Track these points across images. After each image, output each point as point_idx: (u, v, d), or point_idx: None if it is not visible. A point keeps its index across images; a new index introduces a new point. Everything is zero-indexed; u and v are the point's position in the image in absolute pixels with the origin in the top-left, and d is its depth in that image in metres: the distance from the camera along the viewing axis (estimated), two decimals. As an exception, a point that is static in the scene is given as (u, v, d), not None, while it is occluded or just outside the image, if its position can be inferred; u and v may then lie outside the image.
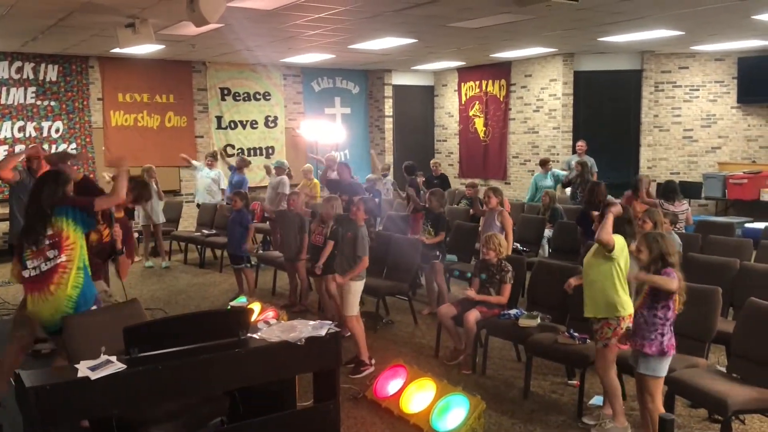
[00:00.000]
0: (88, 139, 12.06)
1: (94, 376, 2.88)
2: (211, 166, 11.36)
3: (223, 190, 11.41)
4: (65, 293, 4.09)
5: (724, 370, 4.33)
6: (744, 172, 11.48)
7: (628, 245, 4.37)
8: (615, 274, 4.30)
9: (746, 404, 3.94)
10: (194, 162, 11.77)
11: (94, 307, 4.24)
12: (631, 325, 4.20)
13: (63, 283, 4.09)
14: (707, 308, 4.63)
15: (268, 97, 13.95)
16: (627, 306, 4.31)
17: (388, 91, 15.12)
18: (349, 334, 5.81)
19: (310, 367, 3.51)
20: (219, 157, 12.32)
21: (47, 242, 4.08)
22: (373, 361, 5.70)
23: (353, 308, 5.69)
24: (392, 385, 5.01)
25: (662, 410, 3.98)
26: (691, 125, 12.73)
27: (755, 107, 12.21)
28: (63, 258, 4.09)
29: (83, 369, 2.92)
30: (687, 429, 4.53)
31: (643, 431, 4.17)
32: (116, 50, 10.39)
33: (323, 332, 3.35)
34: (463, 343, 5.76)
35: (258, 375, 3.35)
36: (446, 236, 7.89)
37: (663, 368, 3.95)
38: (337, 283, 5.89)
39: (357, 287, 5.73)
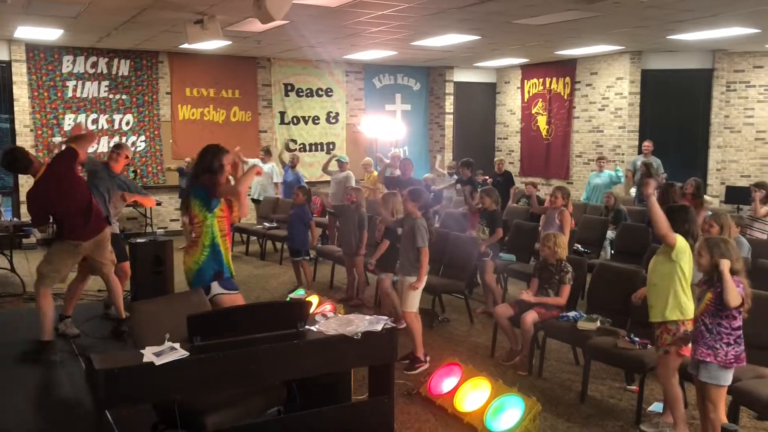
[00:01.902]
0: (156, 132, 12.45)
1: (158, 361, 2.99)
2: (264, 161, 11.54)
3: (276, 184, 11.59)
4: (187, 266, 4.68)
5: (793, 382, 4.16)
6: (821, 177, 10.97)
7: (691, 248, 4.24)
8: (677, 277, 4.19)
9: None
10: (248, 160, 11.97)
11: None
12: (689, 330, 4.09)
13: (190, 254, 4.68)
14: (777, 317, 4.45)
15: (330, 93, 14.09)
16: (688, 311, 4.19)
17: (449, 88, 15.06)
18: (404, 326, 5.81)
19: (365, 361, 3.55)
20: (274, 152, 12.44)
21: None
22: (428, 358, 5.71)
23: (413, 305, 5.68)
24: (447, 383, 5.01)
25: (725, 420, 3.86)
26: (765, 126, 12.24)
27: (835, 108, 11.66)
28: (193, 234, 4.72)
29: (148, 354, 3.03)
30: (751, 440, 4.39)
31: (704, 441, 4.05)
32: (185, 46, 10.71)
33: (379, 327, 3.38)
34: (520, 344, 5.71)
35: (314, 366, 3.40)
36: (504, 235, 7.84)
37: (727, 377, 3.82)
38: (405, 283, 5.80)
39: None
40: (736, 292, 3.69)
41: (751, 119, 12.31)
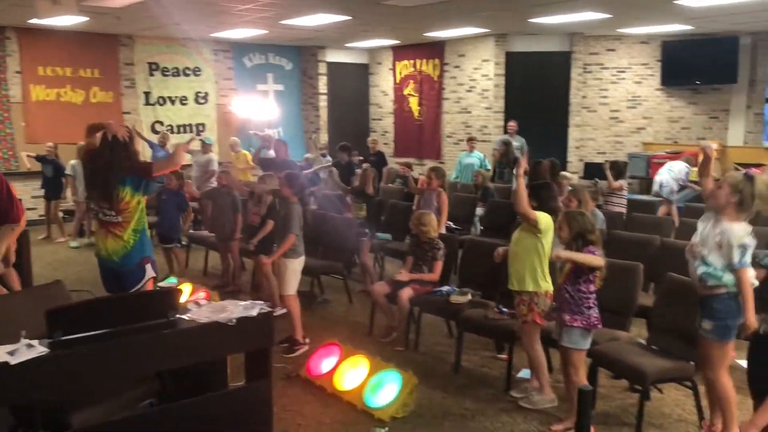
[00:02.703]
0: (6, 115, 11.50)
1: (13, 361, 2.78)
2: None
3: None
4: (112, 249, 4.51)
5: (644, 342, 4.53)
6: (666, 152, 11.93)
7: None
8: (537, 251, 4.43)
9: (663, 374, 4.14)
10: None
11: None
12: (549, 302, 4.36)
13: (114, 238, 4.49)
14: (629, 283, 4.81)
15: (198, 73, 13.60)
16: (543, 284, 4.45)
17: (322, 68, 14.98)
18: (284, 311, 5.79)
19: (241, 347, 3.47)
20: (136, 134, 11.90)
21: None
22: (307, 340, 5.71)
23: (292, 287, 5.66)
24: (326, 363, 5.04)
25: (585, 382, 4.15)
26: (618, 106, 13.13)
27: (677, 89, 12.68)
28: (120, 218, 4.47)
29: (2, 354, 2.81)
30: (609, 399, 4.73)
31: (568, 403, 4.33)
32: (35, 21, 9.92)
33: (254, 312, 3.32)
34: (397, 320, 5.83)
35: (187, 356, 3.29)
36: (380, 215, 7.97)
37: (586, 342, 4.10)
38: (273, 263, 5.85)
39: (295, 266, 5.69)
40: (590, 257, 3.96)
41: (606, 99, 13.17)
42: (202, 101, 13.72)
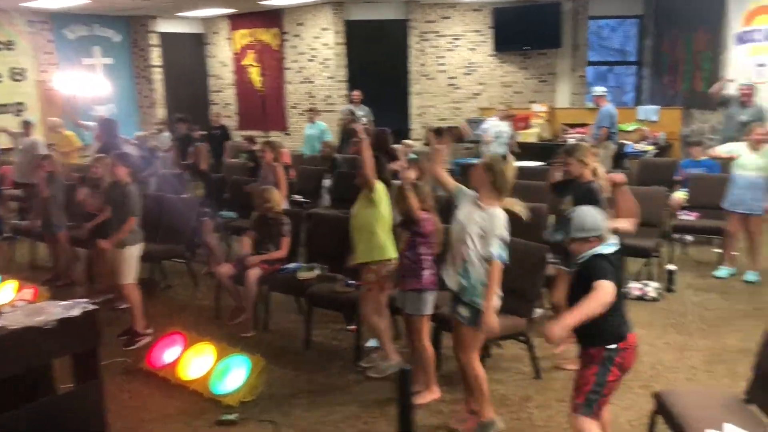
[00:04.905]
0: None
1: None
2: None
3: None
4: None
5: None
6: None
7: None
8: (376, 220, 4.47)
9: (501, 331, 4.33)
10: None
11: None
12: (390, 269, 4.44)
13: None
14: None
15: (12, 47, 12.32)
16: (388, 251, 4.51)
17: (154, 39, 14.11)
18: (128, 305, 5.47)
19: (64, 351, 3.22)
20: None
21: None
22: (150, 330, 5.43)
23: (129, 275, 5.34)
24: (169, 354, 4.82)
25: (429, 346, 4.27)
26: (455, 73, 13.52)
27: (509, 55, 13.26)
28: None
29: None
30: (452, 359, 4.89)
31: (415, 368, 4.43)
32: None
33: (76, 312, 3.07)
34: (245, 301, 5.68)
35: (3, 366, 3.00)
36: (223, 191, 7.72)
37: (427, 306, 4.20)
38: (109, 250, 5.47)
39: (132, 252, 5.36)
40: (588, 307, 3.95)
41: (443, 66, 13.50)
42: (18, 78, 12.47)
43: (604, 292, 2.91)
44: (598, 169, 4.58)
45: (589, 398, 3.05)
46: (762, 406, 3.24)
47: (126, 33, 14.11)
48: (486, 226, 3.62)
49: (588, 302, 2.89)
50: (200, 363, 4.61)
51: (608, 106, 9.58)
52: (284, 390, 4.55)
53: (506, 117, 10.11)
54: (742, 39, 10.34)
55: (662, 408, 3.30)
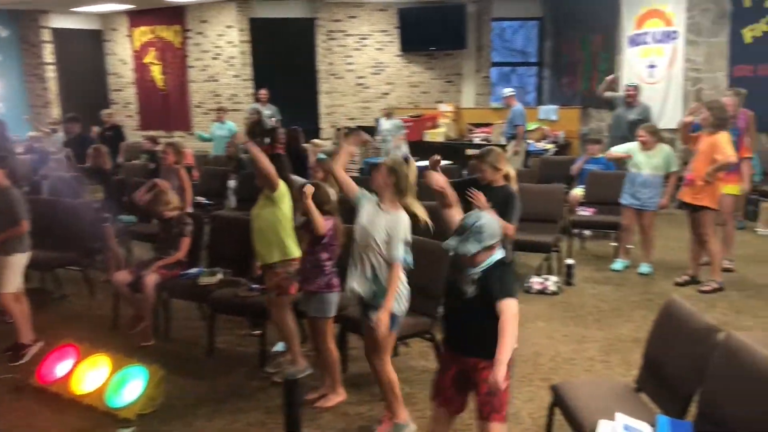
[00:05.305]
0: None
1: None
2: None
3: None
4: None
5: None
6: (409, 116, 12.59)
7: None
8: (278, 221, 4.40)
9: (407, 330, 4.34)
10: None
11: None
12: (293, 269, 4.38)
13: None
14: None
15: None
16: (292, 251, 4.44)
17: (46, 35, 13.42)
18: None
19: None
20: None
21: None
22: (40, 343, 5.11)
23: (9, 284, 4.99)
24: (61, 367, 4.55)
25: (333, 349, 4.22)
26: (363, 72, 13.56)
27: (415, 55, 13.42)
28: None
29: None
30: (361, 360, 4.85)
31: (322, 371, 4.38)
32: None
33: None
34: (144, 309, 5.45)
35: None
36: (123, 194, 7.40)
37: (331, 308, 4.15)
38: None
39: (18, 260, 5.02)
40: (321, 221, 3.98)
41: (352, 66, 13.52)
42: None
43: (513, 310, 2.84)
44: (510, 174, 4.65)
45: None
46: (650, 394, 3.39)
47: (15, 28, 13.34)
48: (390, 229, 3.60)
49: (509, 329, 2.81)
50: (94, 376, 4.37)
51: (519, 106, 9.92)
52: (186, 400, 4.40)
53: (388, 116, 10.87)
54: (635, 41, 10.87)
55: (559, 400, 3.39)
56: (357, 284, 3.72)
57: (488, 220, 3.02)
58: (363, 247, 3.68)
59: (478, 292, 2.97)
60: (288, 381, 2.56)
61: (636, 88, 8.85)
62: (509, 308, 2.85)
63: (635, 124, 7.80)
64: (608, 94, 9.15)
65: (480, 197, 4.36)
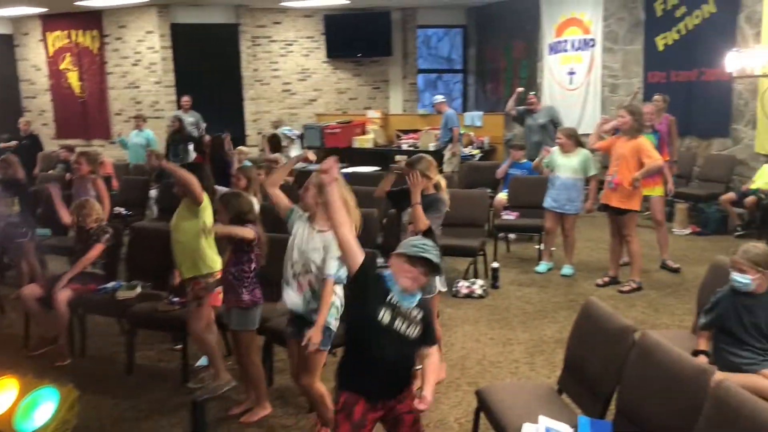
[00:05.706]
0: None
1: None
2: None
3: None
4: None
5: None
6: (337, 123, 12.54)
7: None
8: (200, 232, 4.27)
9: (336, 340, 4.27)
10: None
11: None
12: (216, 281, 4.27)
13: None
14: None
15: None
16: (214, 263, 4.33)
17: (-49, 40, 12.74)
18: None
19: None
20: None
21: None
22: (-59, 368, 4.79)
23: None
24: (-36, 393, 4.27)
25: (257, 361, 4.12)
26: (289, 78, 13.42)
27: (342, 62, 13.39)
28: None
29: None
30: (284, 372, 4.77)
31: (245, 385, 4.27)
32: None
33: None
34: (57, 326, 5.18)
35: None
36: (37, 207, 7.07)
37: (254, 322, 4.05)
38: None
39: None
40: (240, 229, 3.88)
41: (277, 72, 13.36)
42: None
43: (437, 356, 2.95)
44: (441, 182, 4.62)
45: None
46: (572, 395, 3.44)
47: None
48: (325, 248, 3.53)
49: (434, 373, 2.85)
50: (2, 400, 4.12)
51: (452, 111, 10.08)
52: (103, 420, 4.20)
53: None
54: (555, 49, 11.17)
55: (484, 404, 3.40)
56: (293, 302, 3.63)
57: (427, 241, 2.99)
58: (302, 271, 3.59)
59: (419, 333, 2.86)
60: (195, 402, 2.45)
61: (534, 95, 9.16)
62: (434, 354, 2.93)
63: (545, 127, 7.99)
64: (513, 112, 9.26)
65: (417, 176, 4.30)
